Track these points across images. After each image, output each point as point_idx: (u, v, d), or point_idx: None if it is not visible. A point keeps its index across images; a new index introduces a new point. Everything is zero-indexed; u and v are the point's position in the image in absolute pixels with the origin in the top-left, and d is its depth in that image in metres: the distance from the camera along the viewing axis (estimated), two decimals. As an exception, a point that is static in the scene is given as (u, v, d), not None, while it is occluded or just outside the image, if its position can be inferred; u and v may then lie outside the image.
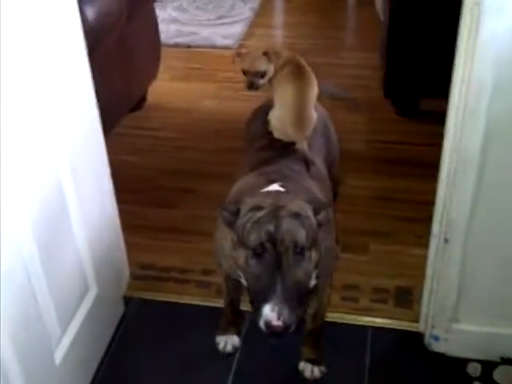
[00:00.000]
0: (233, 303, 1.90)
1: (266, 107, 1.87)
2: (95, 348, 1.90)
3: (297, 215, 1.36)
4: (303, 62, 1.86)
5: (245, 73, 1.88)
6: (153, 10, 2.98)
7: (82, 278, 1.79)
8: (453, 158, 1.55)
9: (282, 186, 1.52)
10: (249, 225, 1.35)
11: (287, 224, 1.34)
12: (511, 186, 1.55)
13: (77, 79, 1.67)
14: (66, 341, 1.70)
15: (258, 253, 1.34)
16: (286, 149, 1.75)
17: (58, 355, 1.66)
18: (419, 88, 2.96)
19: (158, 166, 2.81)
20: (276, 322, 1.29)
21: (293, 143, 1.76)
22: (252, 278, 1.37)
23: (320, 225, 1.42)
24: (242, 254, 1.38)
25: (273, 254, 1.33)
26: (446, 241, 1.68)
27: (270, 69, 1.83)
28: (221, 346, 1.93)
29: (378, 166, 2.75)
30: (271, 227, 1.33)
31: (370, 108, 3.16)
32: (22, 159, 1.44)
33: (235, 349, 1.92)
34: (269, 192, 1.48)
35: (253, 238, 1.33)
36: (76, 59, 1.67)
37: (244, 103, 3.12)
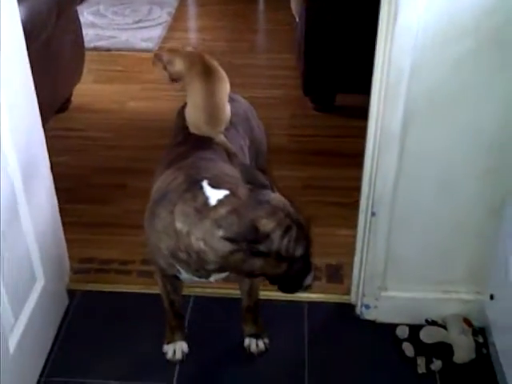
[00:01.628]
0: (174, 304, 1.90)
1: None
2: (45, 338, 1.94)
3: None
4: (209, 59, 1.90)
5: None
6: (76, 13, 3.02)
7: (29, 268, 1.83)
8: (377, 135, 1.71)
9: (209, 184, 1.57)
10: (292, 243, 1.50)
11: (302, 217, 1.56)
12: (429, 158, 1.73)
13: (19, 76, 1.73)
14: (19, 329, 1.73)
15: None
16: (201, 141, 1.80)
17: (12, 343, 1.69)
18: (335, 84, 3.15)
19: (89, 165, 2.85)
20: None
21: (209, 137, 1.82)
22: (293, 273, 1.56)
23: None
24: (279, 264, 1.52)
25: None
26: (373, 214, 1.85)
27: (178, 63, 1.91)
28: (169, 355, 1.93)
29: (300, 158, 2.92)
30: (306, 240, 1.54)
31: (289, 105, 3.33)
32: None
33: (184, 354, 1.94)
34: (256, 200, 1.52)
35: (299, 253, 1.52)
36: (17, 57, 1.72)
37: (168, 103, 3.27)
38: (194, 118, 1.84)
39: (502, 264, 1.75)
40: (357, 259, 2.00)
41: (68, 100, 3.21)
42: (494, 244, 1.83)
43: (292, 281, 1.60)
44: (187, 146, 1.81)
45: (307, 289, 1.66)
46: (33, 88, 1.84)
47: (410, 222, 1.87)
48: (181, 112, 1.95)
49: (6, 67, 1.63)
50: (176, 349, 1.95)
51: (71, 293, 2.16)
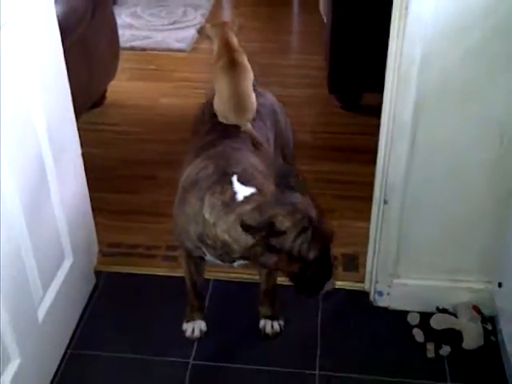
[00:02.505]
0: (196, 285, 1.99)
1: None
2: (72, 313, 2.06)
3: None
4: (233, 46, 2.01)
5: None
6: (112, 12, 3.16)
7: (59, 245, 1.95)
8: (389, 125, 1.79)
9: (239, 180, 1.65)
10: (306, 245, 1.55)
11: (326, 225, 1.62)
12: (440, 147, 1.80)
13: (53, 69, 1.85)
14: (47, 302, 1.85)
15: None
16: (229, 130, 1.88)
17: (41, 313, 1.81)
18: (360, 84, 3.22)
19: (120, 157, 2.98)
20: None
21: (236, 126, 1.90)
22: (310, 275, 1.62)
23: None
24: (292, 264, 1.58)
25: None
26: (386, 202, 1.92)
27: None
28: (188, 333, 2.03)
29: (322, 153, 2.99)
30: (322, 245, 1.58)
31: (316, 104, 3.42)
32: (12, 135, 1.60)
33: (203, 333, 2.04)
34: (280, 200, 1.59)
35: (312, 256, 1.57)
36: (52, 50, 1.85)
37: (198, 100, 3.37)
38: (222, 108, 1.93)
39: (511, 253, 1.80)
40: (370, 247, 2.07)
41: (103, 96, 3.35)
42: (503, 233, 1.88)
43: (309, 284, 1.66)
44: (216, 134, 1.89)
45: (327, 295, 1.71)
46: (66, 78, 1.96)
47: (421, 211, 1.93)
48: (209, 102, 2.02)
49: (42, 57, 1.76)
50: (195, 327, 2.04)
51: (99, 273, 2.27)
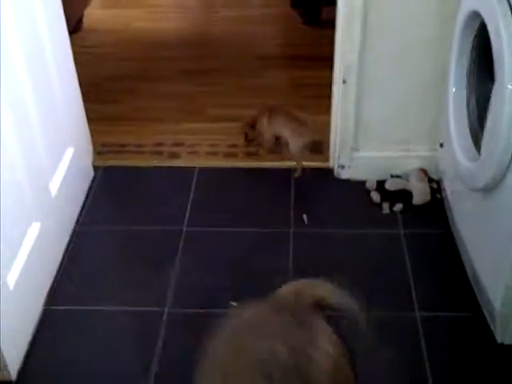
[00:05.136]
0: None
1: None
2: (77, 193, 2.36)
3: None
4: None
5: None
6: None
7: (62, 132, 2.23)
8: (344, 11, 2.09)
9: None
10: None
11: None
12: (388, 28, 2.11)
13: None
14: (57, 179, 2.14)
15: None
16: None
17: (53, 188, 2.11)
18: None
19: (101, 74, 3.23)
20: None
21: None
22: None
23: None
24: None
25: None
26: (344, 81, 2.24)
27: None
28: None
29: (290, 63, 3.31)
30: None
31: (280, 21, 3.70)
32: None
33: None
34: None
35: None
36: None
37: (170, 23, 3.69)
38: None
39: (449, 116, 2.14)
40: (332, 125, 2.39)
41: (79, 22, 3.58)
42: (444, 102, 2.22)
43: None
44: None
45: None
46: None
47: (374, 88, 2.26)
48: None
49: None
50: None
51: (96, 168, 2.57)
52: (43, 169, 2.04)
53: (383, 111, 2.30)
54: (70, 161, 2.26)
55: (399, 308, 1.99)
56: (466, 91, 2.03)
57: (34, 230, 1.94)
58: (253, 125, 2.56)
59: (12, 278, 1.78)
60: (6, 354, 1.73)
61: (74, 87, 2.37)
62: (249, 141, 2.60)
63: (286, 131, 2.46)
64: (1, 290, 1.71)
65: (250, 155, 2.63)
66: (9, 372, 1.77)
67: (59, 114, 2.20)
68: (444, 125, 2.20)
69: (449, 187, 2.25)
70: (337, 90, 2.29)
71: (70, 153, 2.28)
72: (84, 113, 2.50)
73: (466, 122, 2.02)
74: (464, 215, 2.08)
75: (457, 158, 2.01)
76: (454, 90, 2.05)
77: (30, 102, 1.93)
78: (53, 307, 2.01)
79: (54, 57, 2.13)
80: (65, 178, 2.19)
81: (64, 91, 2.23)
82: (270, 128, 2.52)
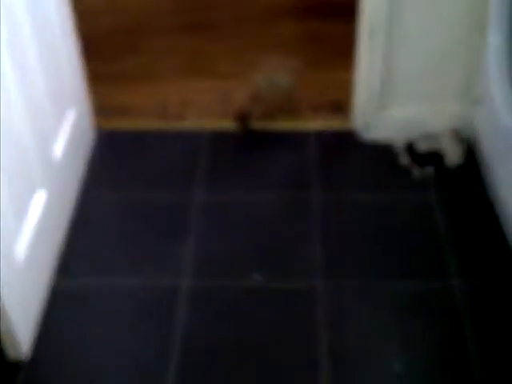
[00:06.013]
0: None
1: None
2: (80, 157, 2.18)
3: None
4: None
5: None
6: None
7: (64, 92, 2.03)
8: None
9: None
10: None
11: None
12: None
13: None
14: (60, 143, 1.96)
15: None
16: None
17: (57, 152, 1.92)
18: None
19: (98, 29, 2.95)
20: None
21: None
22: None
23: None
24: None
25: None
26: (372, 33, 2.05)
27: None
28: None
29: (302, 13, 3.07)
30: None
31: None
32: None
33: None
34: None
35: None
36: None
37: None
38: None
39: (486, 71, 1.97)
40: (358, 81, 2.21)
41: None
42: (480, 58, 2.04)
43: None
44: None
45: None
46: None
47: (402, 43, 2.07)
48: None
49: None
50: None
51: (98, 130, 2.37)
52: (48, 131, 1.85)
53: (413, 66, 2.12)
54: (73, 123, 2.07)
55: (435, 277, 1.86)
56: (508, 42, 1.87)
57: (40, 197, 1.77)
58: (243, 117, 2.32)
59: (20, 250, 1.62)
60: (17, 332, 1.58)
61: (72, 42, 2.16)
62: (246, 130, 2.34)
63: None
64: (10, 264, 1.54)
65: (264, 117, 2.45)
66: (21, 350, 1.63)
67: (61, 72, 2.00)
68: (482, 80, 2.03)
69: (486, 147, 2.09)
70: (363, 42, 2.10)
71: (71, 114, 2.09)
72: (84, 71, 2.30)
73: (508, 74, 1.86)
74: (504, 177, 1.93)
75: (498, 114, 1.85)
76: (494, 40, 1.88)
77: (33, 58, 1.74)
78: (63, 281, 1.85)
79: (55, 8, 1.92)
80: (68, 141, 2.00)
81: (65, 46, 2.03)
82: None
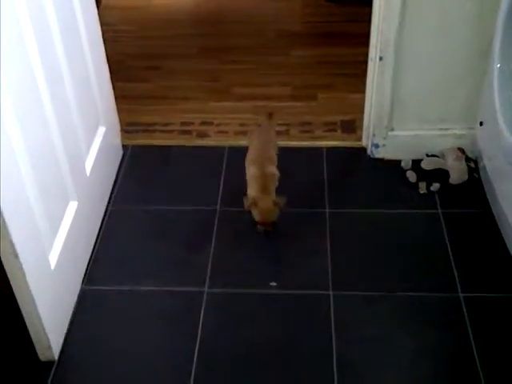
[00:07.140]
0: None
1: None
2: (109, 173, 2.33)
3: None
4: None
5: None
6: None
7: (96, 111, 2.19)
8: (383, -15, 2.04)
9: None
10: None
11: None
12: (428, 5, 2.06)
13: None
14: (91, 160, 2.11)
15: None
16: None
17: (88, 167, 2.07)
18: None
19: (124, 52, 3.18)
20: None
21: None
22: None
23: None
24: None
25: None
26: (381, 59, 2.18)
27: None
28: None
29: (313, 40, 3.25)
30: None
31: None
32: None
33: None
34: None
35: None
36: None
37: None
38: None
39: (490, 93, 2.09)
40: (367, 103, 2.35)
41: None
42: (485, 81, 2.17)
43: None
44: None
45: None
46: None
47: (411, 66, 2.20)
48: None
49: None
50: None
51: (124, 147, 2.53)
52: (79, 147, 2.00)
53: (420, 89, 2.25)
54: (102, 139, 2.22)
55: (442, 289, 1.96)
56: (511, 66, 1.99)
57: (72, 208, 1.91)
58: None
59: (53, 258, 1.76)
60: (49, 334, 1.71)
61: (103, 64, 2.32)
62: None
63: None
64: (43, 270, 1.68)
65: (279, 134, 2.59)
66: (52, 352, 1.75)
67: (92, 91, 2.16)
68: (485, 102, 2.15)
69: (489, 165, 2.21)
70: (372, 66, 2.24)
71: (101, 131, 2.24)
72: (112, 91, 2.46)
73: (510, 97, 1.98)
74: (506, 193, 2.05)
75: (500, 134, 1.97)
76: (498, 65, 2.01)
77: (66, 78, 1.89)
78: (91, 287, 1.99)
79: (87, 32, 2.09)
80: (97, 156, 2.15)
81: (96, 68, 2.18)
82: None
